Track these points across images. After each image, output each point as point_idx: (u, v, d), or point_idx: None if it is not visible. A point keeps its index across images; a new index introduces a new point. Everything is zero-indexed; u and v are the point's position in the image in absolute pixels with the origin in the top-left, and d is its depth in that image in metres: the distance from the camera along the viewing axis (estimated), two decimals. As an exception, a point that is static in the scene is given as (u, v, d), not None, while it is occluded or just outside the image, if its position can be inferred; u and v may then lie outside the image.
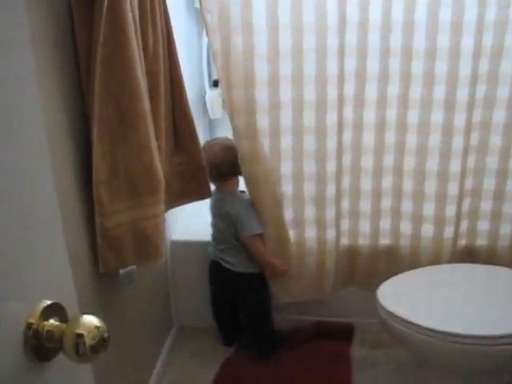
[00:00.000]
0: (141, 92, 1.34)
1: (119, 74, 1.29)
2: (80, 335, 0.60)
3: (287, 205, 2.02)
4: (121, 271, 1.44)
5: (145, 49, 1.46)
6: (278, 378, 2.02)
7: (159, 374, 2.03)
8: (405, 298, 1.75)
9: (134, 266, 1.46)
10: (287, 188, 2.00)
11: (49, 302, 0.62)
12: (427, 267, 1.91)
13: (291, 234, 2.07)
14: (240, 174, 1.97)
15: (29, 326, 0.59)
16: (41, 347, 0.61)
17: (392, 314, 1.61)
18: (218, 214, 2.07)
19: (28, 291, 0.60)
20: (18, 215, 0.59)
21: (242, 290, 2.10)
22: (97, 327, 0.61)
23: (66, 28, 1.23)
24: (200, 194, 1.87)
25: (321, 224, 2.04)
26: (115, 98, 1.31)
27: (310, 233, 2.07)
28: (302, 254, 2.10)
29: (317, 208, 2.02)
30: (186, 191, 1.84)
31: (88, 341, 0.60)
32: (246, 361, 2.12)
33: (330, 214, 2.02)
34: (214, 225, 2.09)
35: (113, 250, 1.40)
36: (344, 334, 2.22)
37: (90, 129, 1.29)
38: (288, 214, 2.04)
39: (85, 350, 0.60)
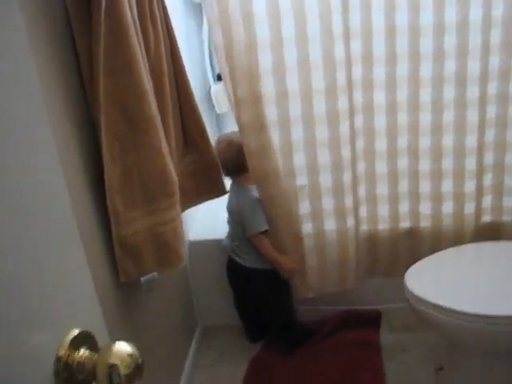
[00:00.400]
0: (147, 94, 1.30)
1: (123, 79, 1.25)
2: (113, 365, 0.57)
3: (303, 197, 1.98)
4: (142, 279, 1.41)
5: (146, 49, 1.42)
6: (308, 371, 1.99)
7: (188, 376, 2.01)
8: (432, 281, 1.71)
9: (156, 273, 1.43)
10: (302, 180, 1.96)
11: (77, 331, 0.59)
12: (453, 248, 1.86)
13: (309, 226, 2.03)
14: (247, 170, 1.93)
15: (59, 358, 0.56)
16: (72, 380, 0.58)
17: (419, 298, 1.58)
18: (228, 209, 2.04)
19: (55, 321, 0.57)
20: (36, 239, 0.55)
21: (255, 287, 2.07)
22: (130, 355, 0.58)
23: (66, 36, 1.19)
24: (214, 192, 1.83)
25: (340, 213, 2.00)
26: (121, 103, 1.27)
27: (330, 224, 2.03)
28: (323, 247, 2.07)
29: (335, 198, 1.98)
30: (199, 190, 1.80)
31: (122, 370, 0.57)
32: (274, 356, 2.09)
33: (348, 202, 1.98)
34: (228, 221, 2.06)
35: (132, 259, 1.37)
36: (371, 321, 2.19)
37: (98, 136, 1.26)
38: (305, 207, 2.00)
39: (120, 381, 0.57)
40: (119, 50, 1.23)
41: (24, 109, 0.57)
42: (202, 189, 1.80)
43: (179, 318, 2.06)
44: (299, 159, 1.92)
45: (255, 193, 1.95)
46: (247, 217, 1.93)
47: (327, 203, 2.00)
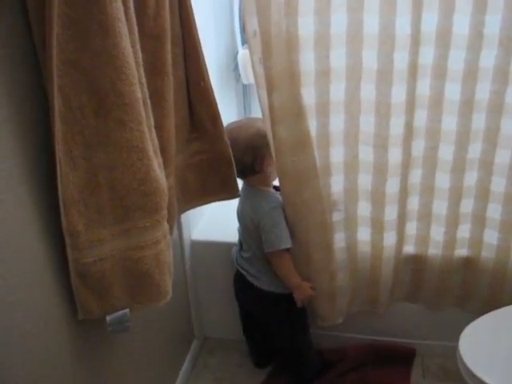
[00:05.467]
0: (129, 69, 0.90)
1: (93, 44, 0.85)
2: None
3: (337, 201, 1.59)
4: (108, 318, 1.04)
5: (142, 5, 1.02)
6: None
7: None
8: (492, 352, 1.31)
9: (127, 310, 1.06)
10: (338, 180, 1.56)
11: None
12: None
13: (341, 236, 1.65)
14: (258, 172, 1.52)
15: None
16: None
17: (474, 375, 1.19)
18: (239, 216, 1.62)
19: None
20: None
21: (268, 313, 1.68)
22: None
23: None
24: (224, 192, 1.46)
25: (377, 226, 1.61)
26: (89, 79, 0.87)
27: (364, 235, 1.64)
28: (354, 260, 1.69)
29: (373, 205, 1.58)
30: (206, 188, 1.44)
31: None
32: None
33: (391, 214, 1.58)
34: (238, 228, 1.67)
35: (95, 293, 1.00)
36: (402, 360, 1.80)
37: (52, 126, 0.87)
38: (337, 213, 1.61)
39: None
40: (87, 2, 0.82)
41: None
42: (210, 186, 1.44)
43: (173, 327, 1.71)
44: (336, 155, 1.52)
45: (276, 198, 1.54)
46: (267, 229, 1.50)
47: (364, 211, 1.61)
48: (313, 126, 1.46)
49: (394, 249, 1.64)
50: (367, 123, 1.46)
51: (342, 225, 1.63)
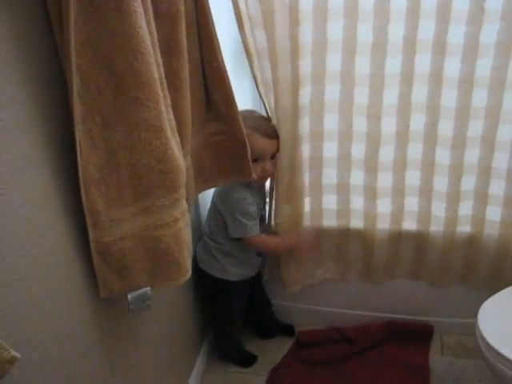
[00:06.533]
0: (145, 48, 0.91)
1: (110, 23, 0.86)
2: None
3: (331, 167, 1.64)
4: (129, 296, 1.06)
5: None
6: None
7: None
8: (511, 325, 1.31)
9: (148, 288, 1.08)
10: (331, 146, 1.60)
11: None
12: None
13: (336, 200, 1.69)
14: None
15: None
16: None
17: (496, 352, 1.20)
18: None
19: None
20: None
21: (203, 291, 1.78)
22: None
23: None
24: (239, 173, 1.47)
25: (370, 194, 1.64)
26: (106, 59, 0.88)
27: (357, 204, 1.68)
28: (346, 226, 1.73)
29: (366, 173, 1.61)
30: (222, 169, 1.46)
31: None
32: (298, 368, 1.76)
33: (384, 183, 1.61)
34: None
35: (116, 271, 1.02)
36: (420, 337, 1.82)
37: (71, 106, 0.88)
38: (332, 178, 1.66)
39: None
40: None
41: None
42: (225, 167, 1.46)
43: (184, 322, 1.71)
44: (331, 123, 1.57)
45: (245, 191, 1.59)
46: (231, 216, 1.57)
47: (357, 179, 1.64)
48: (307, 95, 1.51)
49: (390, 219, 1.67)
50: (362, 94, 1.49)
51: (336, 190, 1.67)
